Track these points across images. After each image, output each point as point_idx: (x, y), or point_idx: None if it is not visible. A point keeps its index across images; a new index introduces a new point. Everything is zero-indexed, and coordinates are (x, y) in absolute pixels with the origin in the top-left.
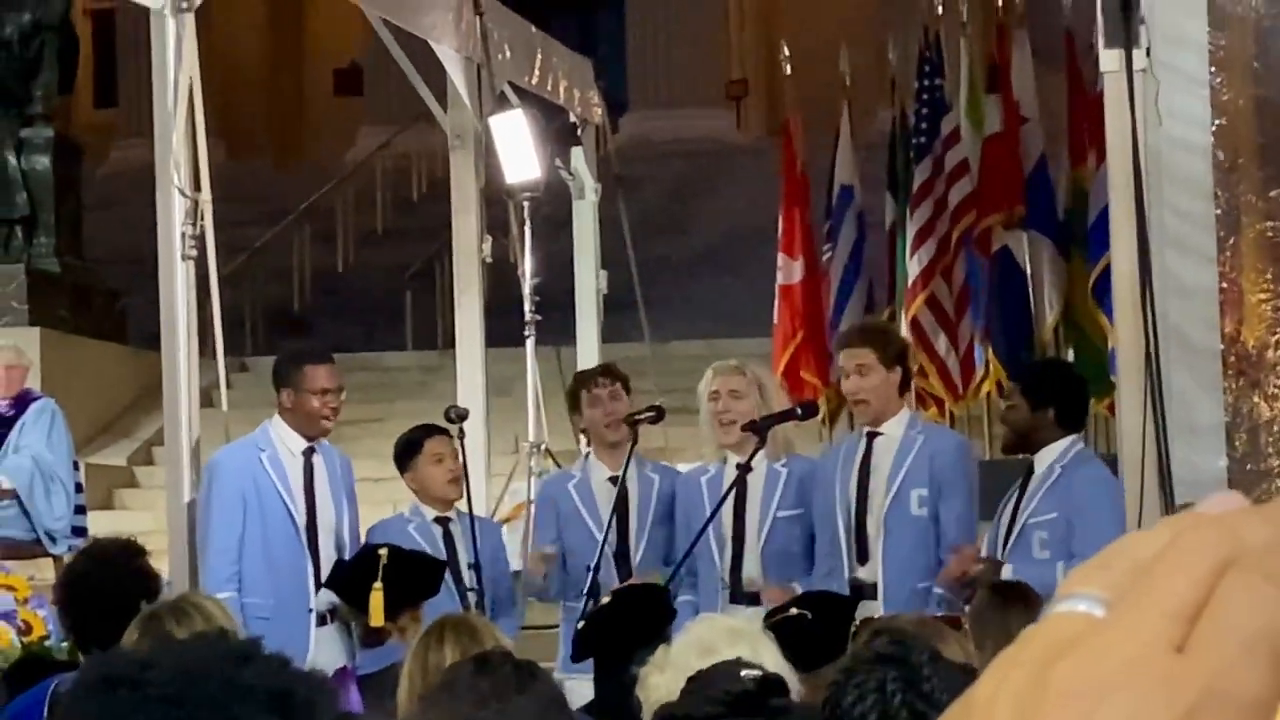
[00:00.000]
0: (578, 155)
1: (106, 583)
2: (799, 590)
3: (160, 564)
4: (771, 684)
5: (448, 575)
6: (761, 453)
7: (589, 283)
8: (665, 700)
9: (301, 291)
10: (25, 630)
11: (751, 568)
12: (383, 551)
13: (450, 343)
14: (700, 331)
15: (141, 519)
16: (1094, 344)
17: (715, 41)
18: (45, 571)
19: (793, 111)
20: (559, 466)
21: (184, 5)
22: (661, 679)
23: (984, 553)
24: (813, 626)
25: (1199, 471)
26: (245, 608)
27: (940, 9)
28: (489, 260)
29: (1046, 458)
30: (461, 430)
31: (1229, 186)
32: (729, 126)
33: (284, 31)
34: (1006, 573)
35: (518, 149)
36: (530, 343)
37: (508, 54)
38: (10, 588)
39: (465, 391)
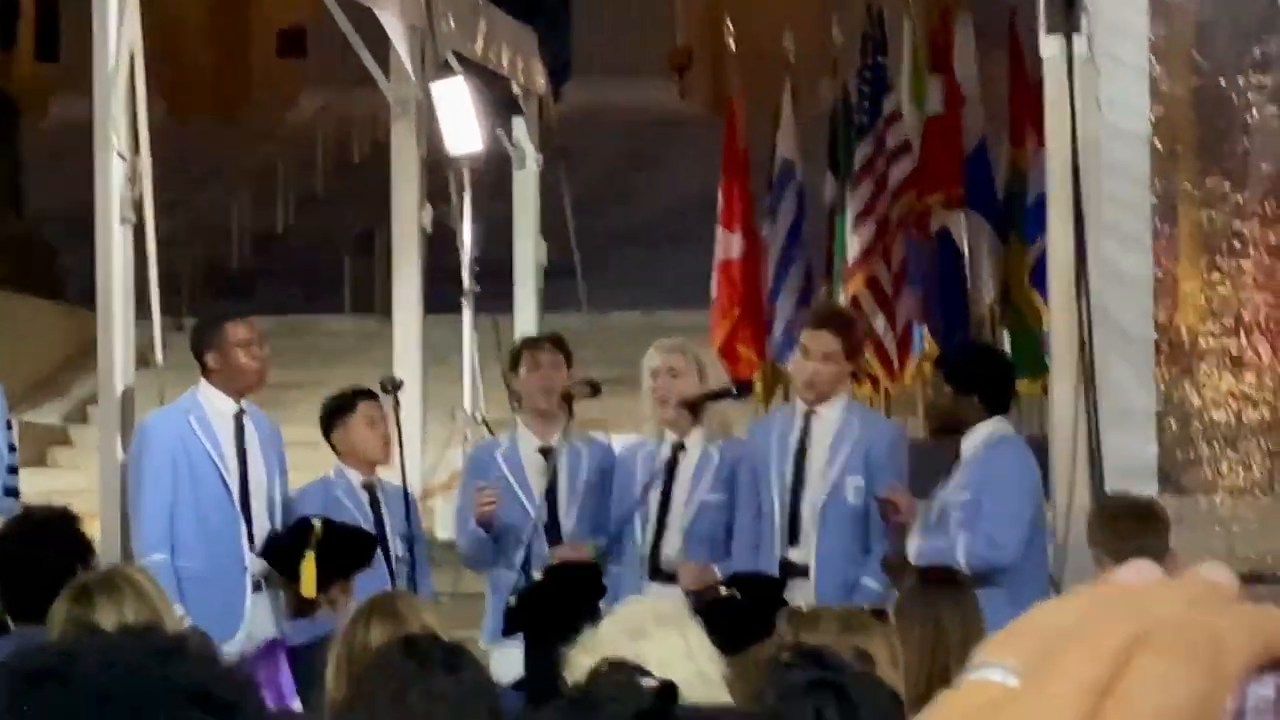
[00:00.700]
0: (519, 125)
1: (39, 552)
2: (717, 572)
3: (93, 524)
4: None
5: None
6: (698, 433)
7: (528, 253)
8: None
9: (240, 252)
10: None
11: (671, 548)
12: (316, 523)
13: (388, 308)
14: (639, 303)
15: (75, 478)
16: (1030, 326)
17: (660, 11)
18: None
19: (736, 86)
20: (493, 434)
21: None
22: (588, 660)
23: (915, 535)
24: (741, 607)
25: (1130, 458)
26: (179, 571)
27: None
28: (429, 231)
29: (972, 441)
30: (397, 399)
31: (1166, 175)
32: (673, 97)
33: None
34: (912, 546)
35: (459, 117)
36: (468, 314)
37: (451, 23)
38: None
39: (402, 360)
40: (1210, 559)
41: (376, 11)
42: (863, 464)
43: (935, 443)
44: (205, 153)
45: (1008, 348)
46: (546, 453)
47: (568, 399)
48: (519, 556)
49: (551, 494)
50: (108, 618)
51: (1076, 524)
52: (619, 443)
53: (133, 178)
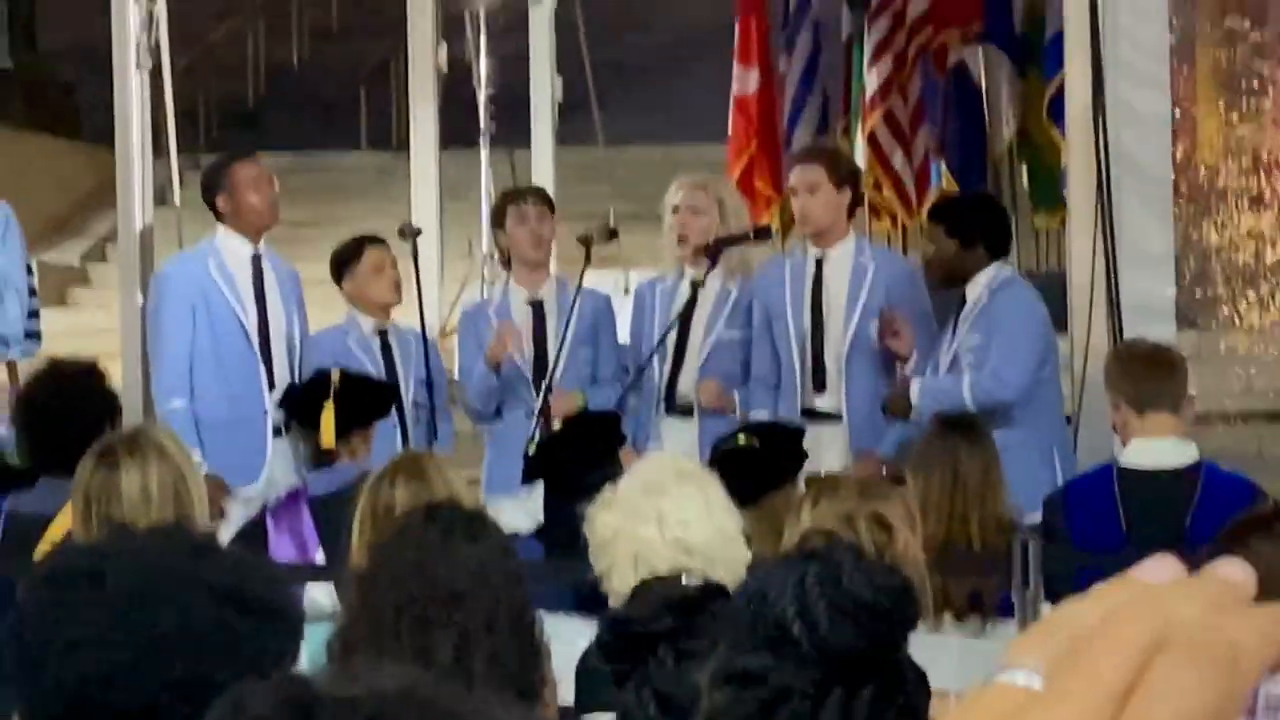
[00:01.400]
0: None
1: (67, 407)
2: (737, 399)
3: (114, 364)
4: (712, 591)
5: None
6: (717, 270)
7: (544, 89)
8: (610, 539)
9: (255, 87)
10: None
11: (688, 383)
12: (334, 374)
13: (405, 143)
14: (657, 136)
15: (96, 317)
16: (1048, 160)
17: None
18: None
19: None
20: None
21: None
22: (609, 518)
23: (926, 383)
24: (761, 455)
25: (1148, 298)
26: (199, 415)
27: None
28: (444, 69)
29: (977, 286)
30: (415, 246)
31: (1183, 14)
32: None
33: None
34: (916, 384)
35: None
36: (485, 150)
37: None
38: None
39: (419, 197)
40: (1229, 395)
41: None
42: (883, 305)
43: (940, 291)
44: None
45: (1025, 182)
46: (536, 305)
47: (586, 244)
48: (539, 405)
49: (541, 345)
50: (132, 479)
51: (1093, 362)
52: (636, 279)
53: (149, 22)
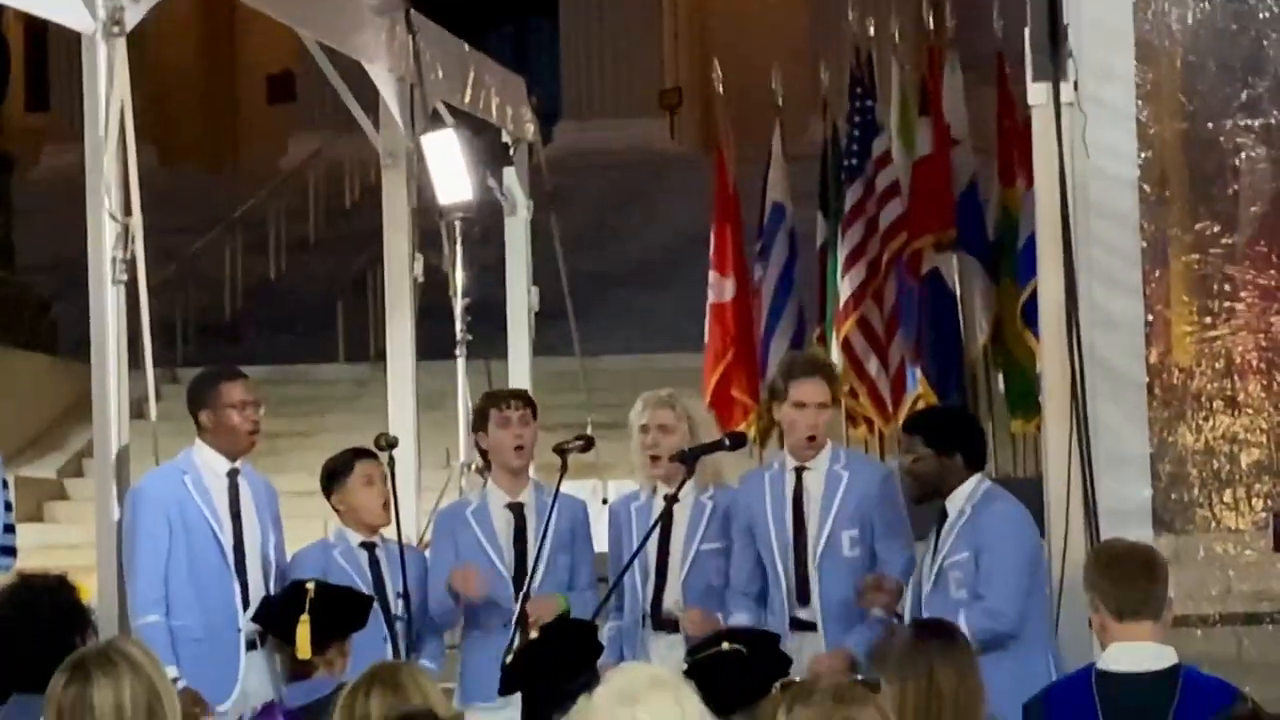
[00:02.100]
0: (510, 175)
1: (37, 623)
2: (720, 620)
3: (90, 579)
4: None
5: (375, 605)
6: (690, 482)
7: (520, 299)
8: None
9: (233, 300)
10: None
11: (671, 599)
12: (310, 585)
13: (382, 354)
14: (632, 346)
15: (72, 532)
16: (1022, 365)
17: (649, 52)
18: None
19: (724, 129)
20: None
21: (115, 30)
22: None
23: (908, 597)
24: (743, 661)
25: (1124, 501)
26: (174, 631)
27: (871, 29)
28: (420, 280)
29: (958, 499)
30: (391, 457)
31: (1155, 219)
32: (663, 135)
33: (217, 38)
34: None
35: (450, 168)
36: (461, 361)
37: (440, 73)
38: None
39: (396, 409)
40: (1207, 599)
41: (365, 64)
42: (855, 513)
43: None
44: (197, 201)
45: (1001, 388)
46: (516, 509)
47: (561, 455)
48: (490, 617)
49: (521, 549)
50: (105, 694)
51: (1070, 568)
52: (613, 492)
53: (124, 238)
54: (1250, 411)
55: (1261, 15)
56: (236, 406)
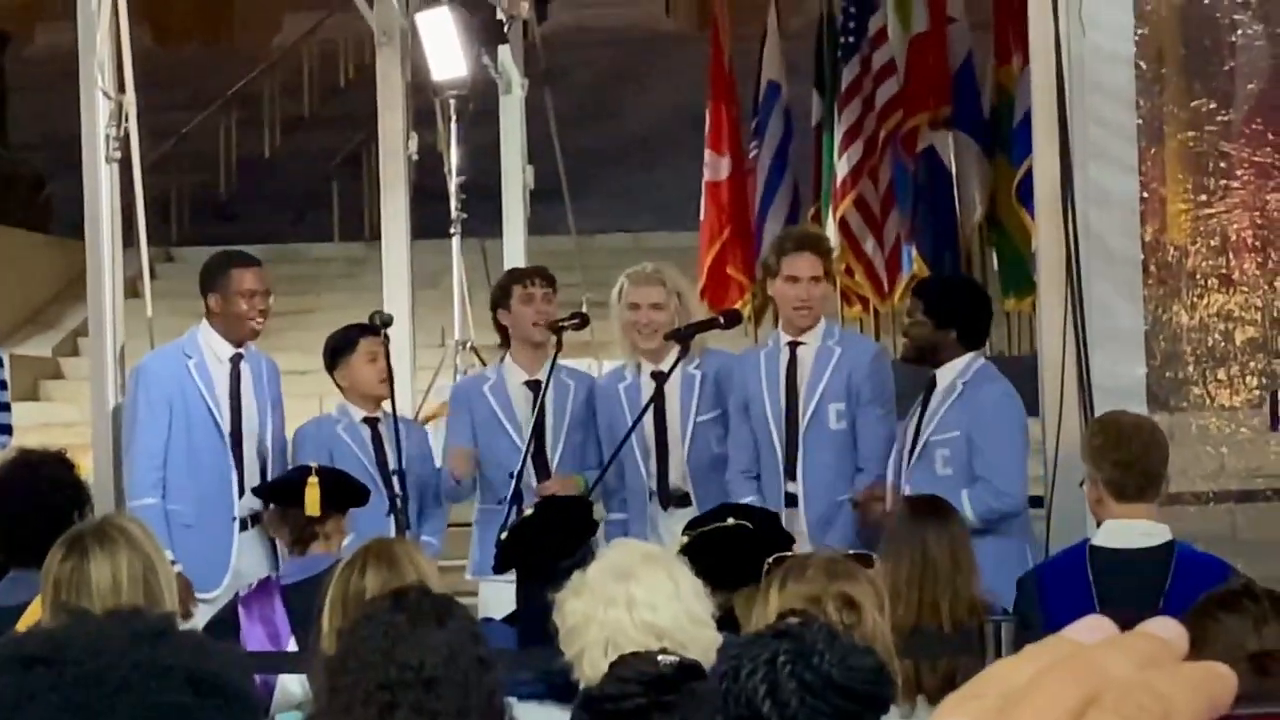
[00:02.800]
0: (504, 52)
1: (35, 496)
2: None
3: (86, 457)
4: (688, 669)
5: (377, 478)
6: (674, 357)
7: (515, 178)
8: (580, 624)
9: (228, 179)
10: None
11: (677, 474)
12: (314, 465)
13: (377, 233)
14: (627, 224)
15: (67, 411)
16: (1017, 244)
17: None
18: None
19: (720, 5)
20: (483, 363)
21: None
22: (578, 604)
23: (890, 467)
24: (748, 540)
25: (1119, 378)
26: (169, 514)
27: None
28: (415, 158)
29: (948, 374)
30: (386, 335)
31: (1151, 96)
32: (659, 12)
33: None
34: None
35: (444, 46)
36: (456, 240)
37: None
38: None
39: (391, 288)
40: (1202, 476)
41: None
42: (844, 388)
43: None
44: (191, 79)
45: (995, 266)
46: (534, 386)
47: (557, 333)
48: (507, 491)
49: (539, 428)
50: (102, 568)
51: (1065, 446)
52: (609, 367)
53: (118, 115)
54: (1245, 289)
55: None
56: (245, 295)
